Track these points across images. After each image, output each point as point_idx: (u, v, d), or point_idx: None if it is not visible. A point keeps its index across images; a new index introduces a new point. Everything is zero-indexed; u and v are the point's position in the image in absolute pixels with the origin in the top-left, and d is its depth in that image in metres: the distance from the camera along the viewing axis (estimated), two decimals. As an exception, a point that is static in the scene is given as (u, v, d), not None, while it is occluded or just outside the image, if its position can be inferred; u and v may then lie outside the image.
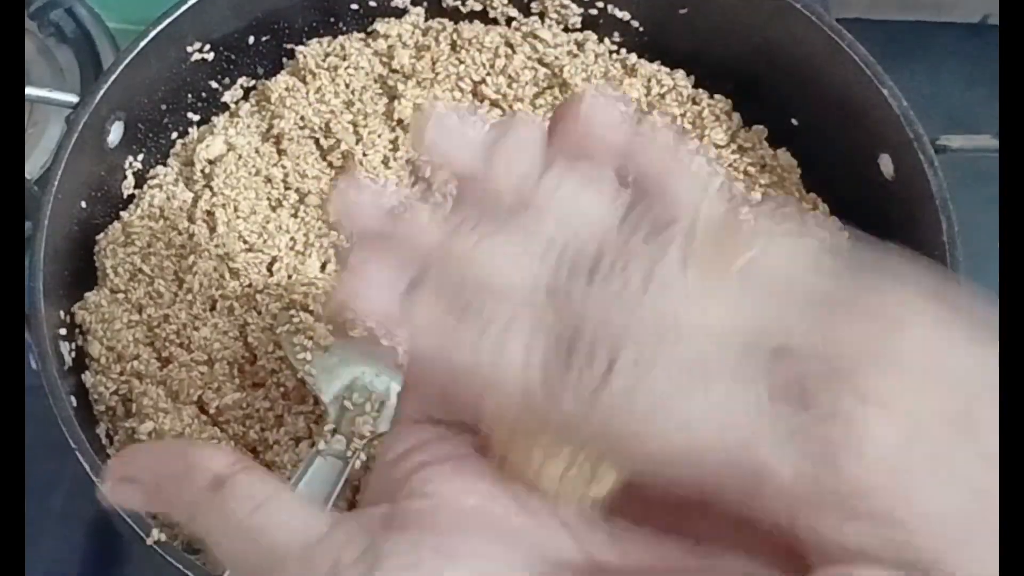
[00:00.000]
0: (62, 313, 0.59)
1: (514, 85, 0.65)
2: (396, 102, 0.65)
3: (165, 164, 0.66)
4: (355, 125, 0.65)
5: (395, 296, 0.28)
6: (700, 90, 0.66)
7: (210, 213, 0.63)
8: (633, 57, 0.67)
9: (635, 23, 0.67)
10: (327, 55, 0.67)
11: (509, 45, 0.67)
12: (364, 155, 0.64)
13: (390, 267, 0.29)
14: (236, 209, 0.63)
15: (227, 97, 0.68)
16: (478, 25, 0.68)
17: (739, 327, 0.25)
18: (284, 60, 0.68)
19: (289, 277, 0.62)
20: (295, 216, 0.64)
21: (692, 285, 0.26)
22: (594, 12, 0.67)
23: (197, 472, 0.29)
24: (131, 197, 0.65)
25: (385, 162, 0.64)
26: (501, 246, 0.28)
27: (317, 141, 0.65)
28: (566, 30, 0.68)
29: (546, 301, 0.26)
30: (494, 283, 0.27)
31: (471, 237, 0.29)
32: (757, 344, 0.25)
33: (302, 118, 0.65)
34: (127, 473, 0.31)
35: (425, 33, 0.68)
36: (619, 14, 0.67)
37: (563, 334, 0.26)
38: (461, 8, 0.68)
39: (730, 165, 0.63)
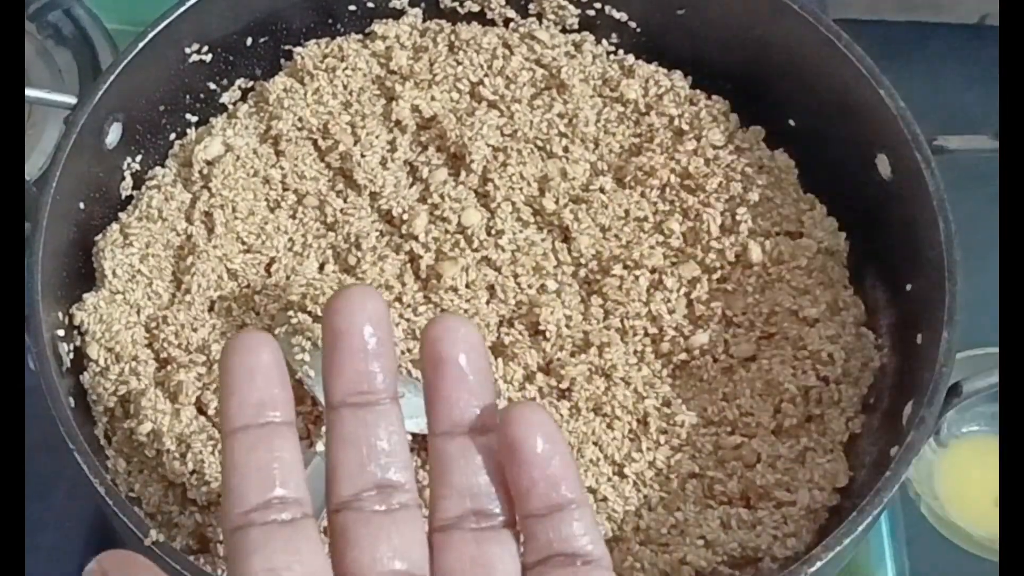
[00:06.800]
0: (60, 314, 0.59)
1: (512, 86, 0.65)
2: (394, 103, 0.65)
3: (163, 165, 0.66)
4: (353, 126, 0.65)
5: None
6: (698, 91, 0.66)
7: (208, 214, 0.63)
8: (631, 58, 0.67)
9: (632, 24, 0.67)
10: (325, 56, 0.67)
11: (507, 46, 0.67)
12: (362, 156, 0.64)
13: None
14: (234, 210, 0.63)
15: (225, 98, 0.68)
16: (476, 26, 0.68)
17: None
18: (282, 61, 0.68)
19: (287, 278, 0.62)
20: (293, 217, 0.64)
21: None
22: (592, 13, 0.67)
23: None
24: (129, 198, 0.65)
25: (383, 163, 0.64)
26: None
27: (315, 142, 0.65)
28: (564, 31, 0.68)
29: None
30: None
31: None
32: None
33: (300, 119, 0.65)
34: None
35: (423, 34, 0.68)
36: (617, 15, 0.67)
37: None
38: (459, 9, 0.68)
39: (728, 166, 0.63)
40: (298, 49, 0.67)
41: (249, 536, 0.32)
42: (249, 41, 0.67)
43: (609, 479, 0.57)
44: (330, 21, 0.68)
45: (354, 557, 0.32)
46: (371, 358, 0.33)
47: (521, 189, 0.62)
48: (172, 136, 0.67)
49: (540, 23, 0.68)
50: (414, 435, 0.46)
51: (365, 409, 0.33)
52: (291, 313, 0.59)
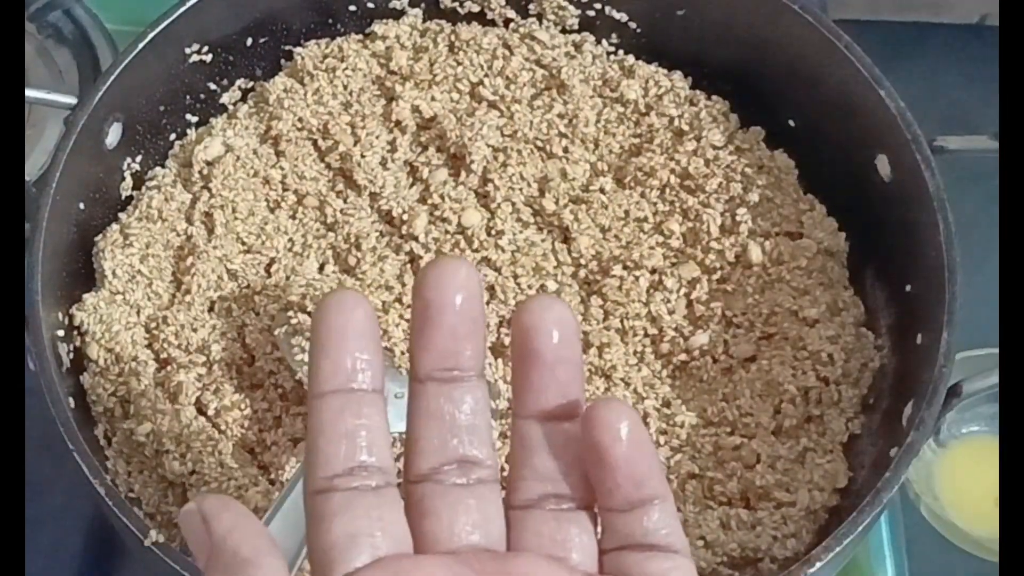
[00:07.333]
0: (60, 315, 0.59)
1: (512, 86, 0.65)
2: (394, 103, 0.65)
3: (163, 166, 0.66)
4: (353, 127, 0.65)
5: None
6: (698, 91, 0.66)
7: (208, 215, 0.63)
8: (631, 58, 0.67)
9: (632, 24, 0.67)
10: (325, 56, 0.67)
11: (507, 46, 0.67)
12: (362, 156, 0.64)
13: None
14: (234, 210, 0.63)
15: (225, 98, 0.68)
16: (476, 26, 0.68)
17: None
18: (282, 61, 0.68)
19: (287, 278, 0.62)
20: (293, 217, 0.64)
21: None
22: (592, 13, 0.67)
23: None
24: (129, 198, 0.65)
25: (383, 163, 0.64)
26: None
27: (315, 142, 0.65)
28: (564, 31, 0.68)
29: None
30: None
31: None
32: None
33: (300, 119, 0.65)
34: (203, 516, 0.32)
35: (423, 34, 0.68)
36: (617, 15, 0.67)
37: None
38: (459, 9, 0.68)
39: (727, 167, 0.63)
40: (298, 49, 0.67)
41: (332, 500, 0.31)
42: (249, 41, 0.67)
43: (609, 479, 0.57)
44: (330, 21, 0.68)
45: (431, 528, 0.32)
46: (461, 335, 0.33)
47: (521, 189, 0.62)
48: (172, 136, 0.67)
49: (540, 23, 0.68)
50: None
51: (451, 385, 0.33)
52: (291, 313, 0.59)
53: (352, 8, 0.68)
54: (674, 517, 0.33)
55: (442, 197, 0.62)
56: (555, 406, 0.33)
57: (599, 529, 0.33)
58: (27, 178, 0.61)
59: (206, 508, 0.32)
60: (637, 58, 0.67)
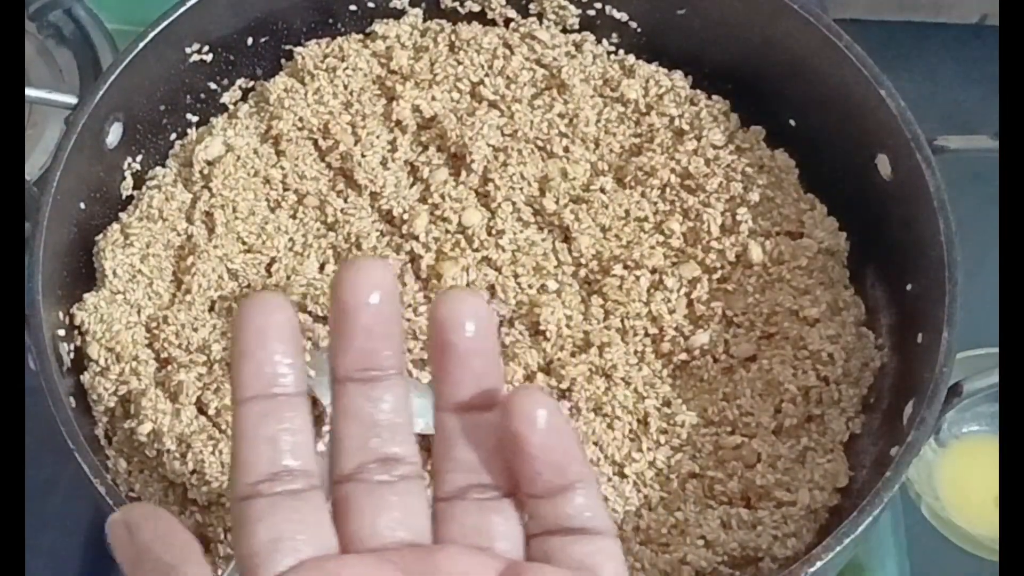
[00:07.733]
0: (61, 314, 0.59)
1: (512, 86, 0.65)
2: (395, 103, 0.65)
3: (164, 165, 0.66)
4: (353, 126, 0.65)
5: None
6: (698, 91, 0.66)
7: (209, 214, 0.63)
8: (631, 58, 0.67)
9: (633, 24, 0.67)
10: (325, 56, 0.67)
11: (507, 46, 0.67)
12: (363, 156, 0.64)
13: None
14: (235, 210, 0.63)
15: (226, 98, 0.68)
16: (476, 26, 0.68)
17: None
18: (282, 61, 0.68)
19: (288, 278, 0.62)
20: (293, 217, 0.64)
21: None
22: (592, 13, 0.67)
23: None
24: (130, 198, 0.65)
25: (383, 163, 0.64)
26: None
27: (316, 142, 0.65)
28: (564, 31, 0.68)
29: None
30: None
31: None
32: None
33: (300, 119, 0.65)
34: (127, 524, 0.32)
35: (423, 34, 0.68)
36: (617, 15, 0.67)
37: None
38: (459, 9, 0.68)
39: (728, 166, 0.63)
40: (299, 49, 0.67)
41: (255, 506, 0.31)
42: (250, 41, 0.67)
43: (609, 479, 0.57)
44: (331, 21, 0.68)
45: (356, 527, 0.32)
46: (377, 335, 0.33)
47: (521, 189, 0.62)
48: (173, 136, 0.67)
49: (540, 23, 0.68)
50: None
51: (370, 384, 0.33)
52: (291, 313, 0.59)
53: (352, 8, 0.68)
54: (598, 500, 0.33)
55: (442, 197, 0.62)
56: (472, 397, 0.33)
57: (524, 516, 0.33)
58: (28, 178, 0.61)
59: (131, 518, 0.32)
60: (637, 58, 0.67)
